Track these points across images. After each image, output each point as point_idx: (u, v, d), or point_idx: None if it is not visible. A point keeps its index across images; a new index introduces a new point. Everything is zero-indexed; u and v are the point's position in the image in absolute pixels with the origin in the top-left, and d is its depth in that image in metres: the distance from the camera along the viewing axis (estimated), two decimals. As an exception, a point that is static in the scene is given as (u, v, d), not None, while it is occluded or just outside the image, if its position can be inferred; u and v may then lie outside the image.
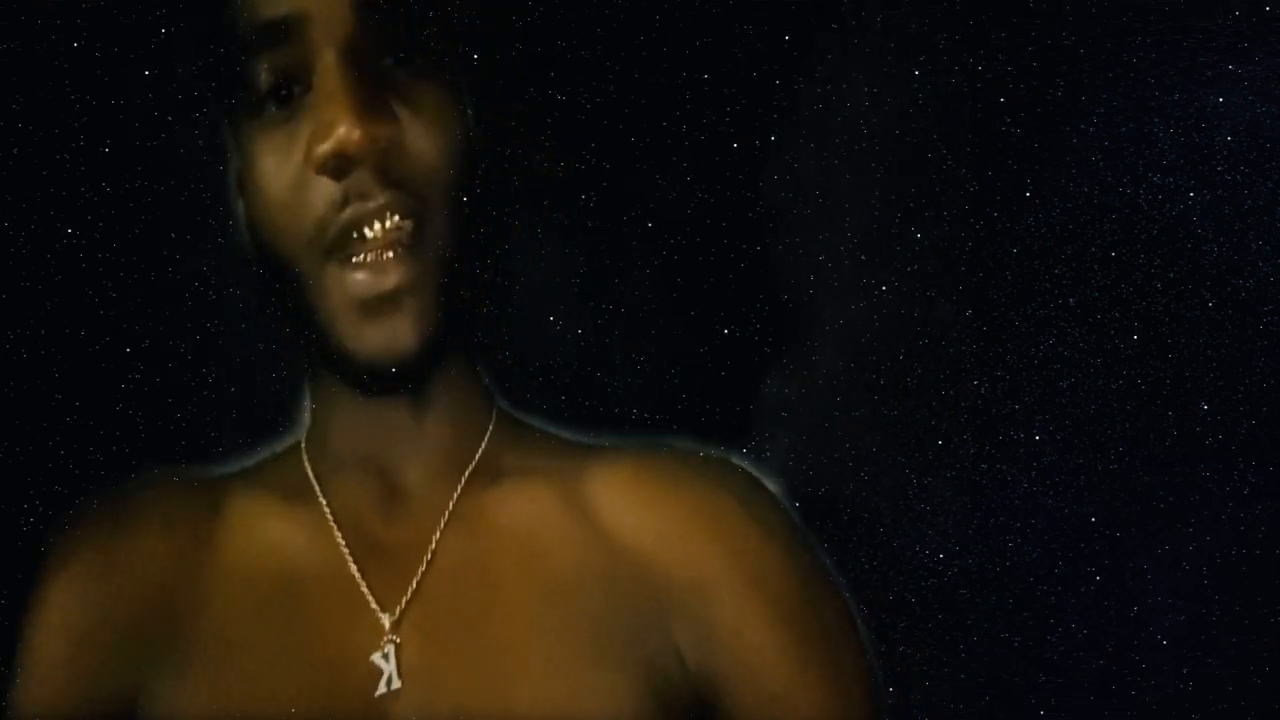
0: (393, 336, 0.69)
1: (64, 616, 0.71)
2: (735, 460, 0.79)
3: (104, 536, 0.73)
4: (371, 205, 0.68)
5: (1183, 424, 0.79)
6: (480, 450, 0.76)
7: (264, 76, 0.70)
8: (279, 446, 0.79)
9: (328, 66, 0.69)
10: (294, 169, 0.70)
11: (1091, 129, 0.79)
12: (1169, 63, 0.78)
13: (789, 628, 0.72)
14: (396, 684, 0.69)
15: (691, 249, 0.83)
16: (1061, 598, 0.80)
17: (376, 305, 0.69)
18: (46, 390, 0.77)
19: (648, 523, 0.73)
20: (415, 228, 0.69)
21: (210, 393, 0.80)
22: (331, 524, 0.74)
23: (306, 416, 0.79)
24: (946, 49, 0.82)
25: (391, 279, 0.69)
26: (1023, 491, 0.81)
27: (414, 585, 0.72)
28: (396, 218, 0.69)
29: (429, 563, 0.72)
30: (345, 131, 0.67)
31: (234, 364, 0.80)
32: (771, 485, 0.78)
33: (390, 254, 0.69)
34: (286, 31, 0.69)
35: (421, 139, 0.70)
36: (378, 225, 0.69)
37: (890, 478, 0.82)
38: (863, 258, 0.83)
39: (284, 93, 0.70)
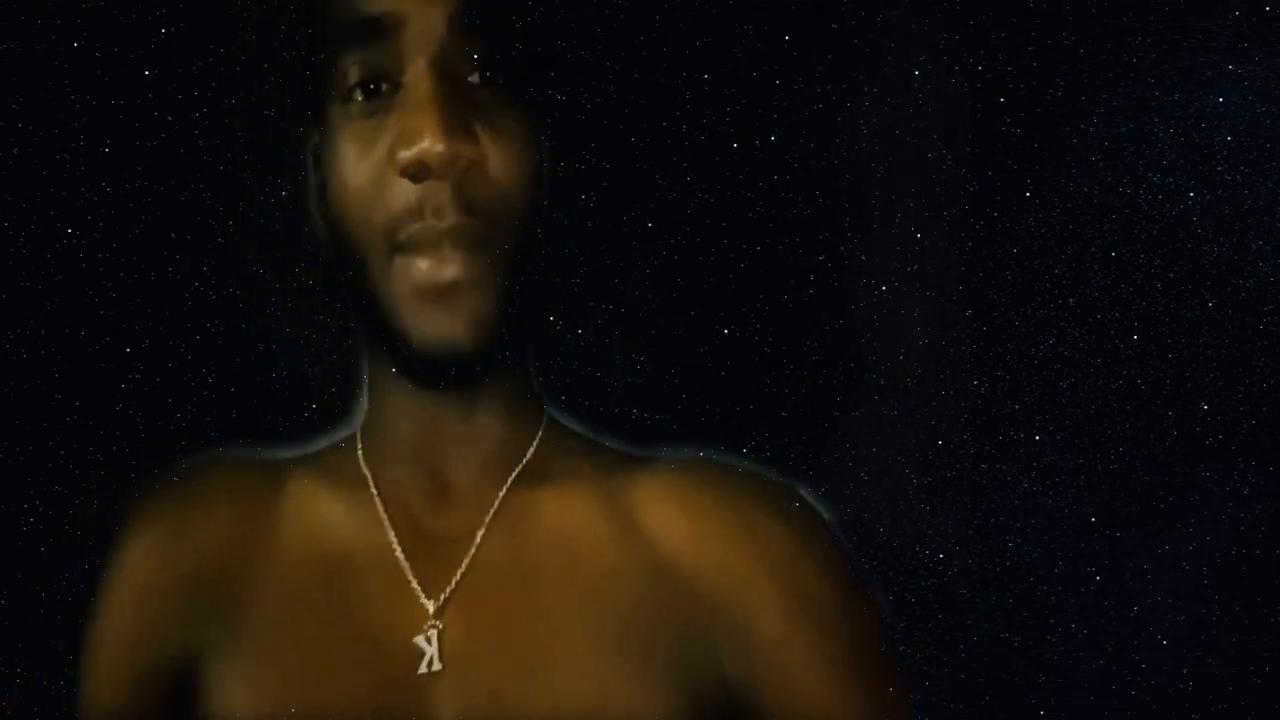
0: (448, 326, 0.71)
1: (135, 576, 0.77)
2: (783, 480, 0.79)
3: (174, 507, 0.79)
4: (443, 225, 0.71)
5: (1183, 424, 0.79)
6: (529, 453, 0.78)
7: (354, 70, 0.72)
8: (337, 436, 0.82)
9: (419, 74, 0.71)
10: (375, 164, 0.72)
11: (1091, 129, 0.79)
12: (1169, 63, 0.78)
13: (831, 643, 0.73)
14: (438, 666, 0.72)
15: (691, 249, 0.83)
16: (1061, 598, 0.80)
17: (435, 294, 0.71)
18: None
19: (691, 533, 0.74)
20: (481, 249, 0.72)
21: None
22: (381, 513, 0.77)
23: (363, 409, 0.81)
24: (946, 49, 0.82)
25: (451, 270, 0.71)
26: (1023, 491, 0.81)
27: (458, 575, 0.74)
28: (464, 240, 0.71)
29: (473, 555, 0.75)
30: (429, 144, 0.69)
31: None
32: (815, 503, 0.79)
33: (453, 249, 0.71)
34: (381, 29, 0.71)
35: (501, 165, 0.72)
36: (445, 244, 0.71)
37: (890, 478, 0.82)
38: (863, 258, 0.83)
39: (372, 87, 0.72)
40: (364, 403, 0.81)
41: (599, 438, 0.81)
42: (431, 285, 0.71)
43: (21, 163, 0.81)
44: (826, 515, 0.78)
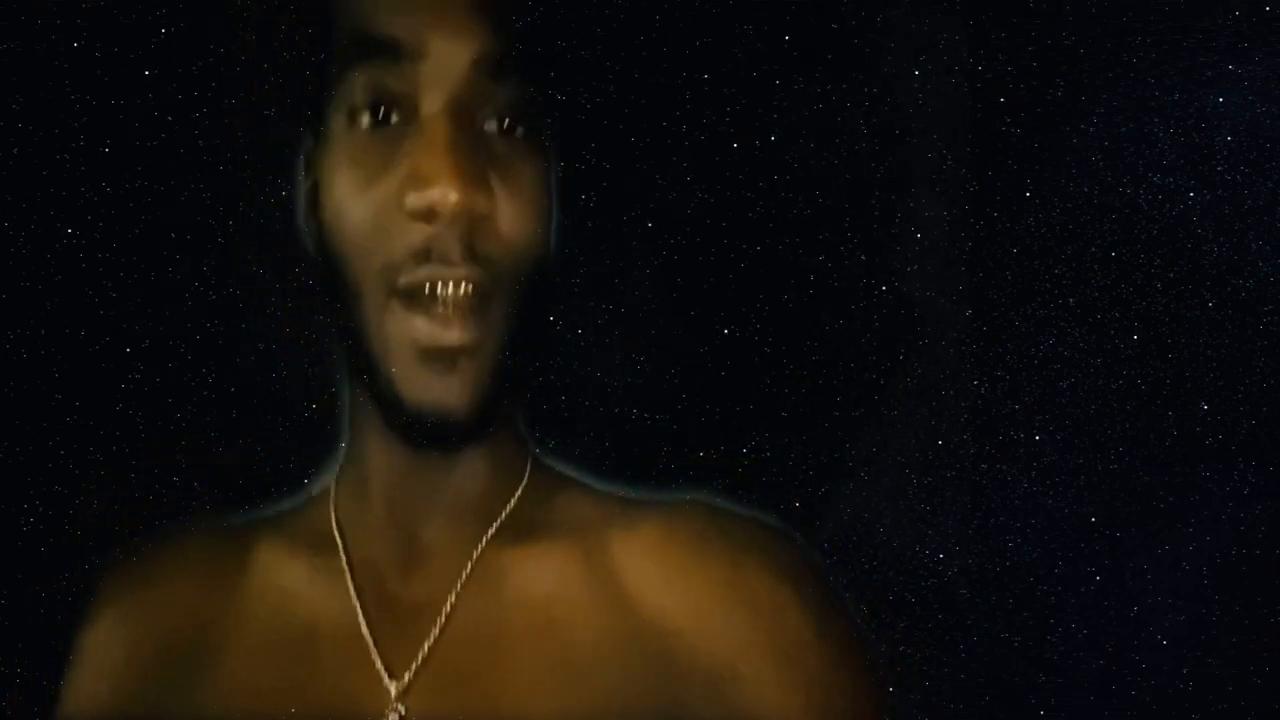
0: (445, 392, 0.69)
1: (102, 658, 0.75)
2: (772, 522, 0.76)
3: (139, 584, 0.77)
4: (450, 273, 0.68)
5: (1183, 424, 0.79)
6: (509, 506, 0.75)
7: (362, 88, 0.69)
8: (313, 488, 0.79)
9: (436, 113, 0.68)
10: (381, 199, 0.69)
11: (1091, 129, 0.79)
12: (1169, 63, 0.78)
13: (817, 706, 0.69)
14: None
15: (691, 249, 0.83)
16: (1061, 598, 0.80)
17: (435, 357, 0.69)
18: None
19: (674, 593, 0.71)
20: (482, 304, 0.69)
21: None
22: (349, 582, 0.74)
23: (340, 458, 0.78)
24: (946, 49, 0.82)
25: (452, 336, 0.68)
26: (1023, 491, 0.81)
27: (425, 650, 0.71)
28: (468, 293, 0.68)
29: (443, 625, 0.71)
30: (442, 193, 0.66)
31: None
32: (807, 549, 0.75)
33: (455, 312, 0.68)
34: (397, 53, 0.68)
35: (511, 220, 0.69)
36: (451, 288, 0.68)
37: (890, 478, 0.82)
38: (863, 258, 0.83)
39: (381, 113, 0.69)
40: (342, 448, 0.78)
41: (586, 479, 0.78)
42: (432, 348, 0.68)
43: (21, 163, 0.81)
44: (820, 564, 0.75)
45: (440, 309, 0.68)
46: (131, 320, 0.82)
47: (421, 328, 0.69)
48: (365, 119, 0.69)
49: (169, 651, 0.74)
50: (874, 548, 0.80)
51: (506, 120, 0.70)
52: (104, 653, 0.75)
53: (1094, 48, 0.80)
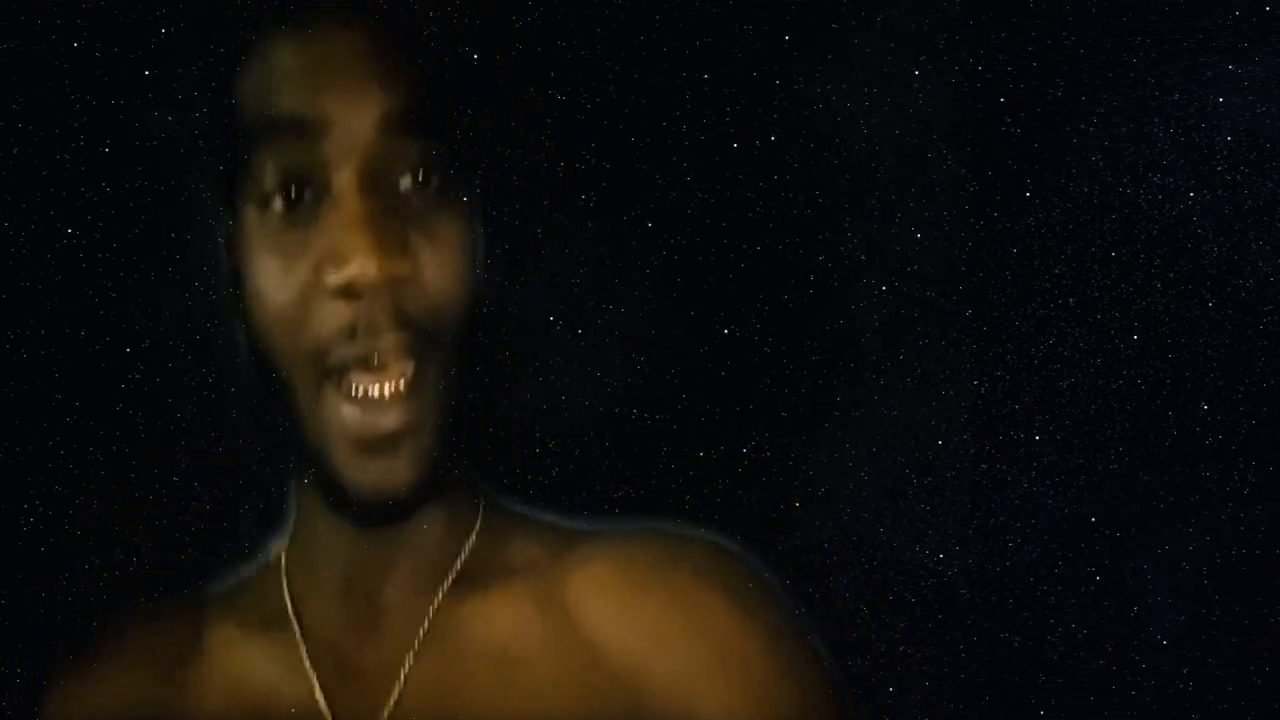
0: (387, 476, 0.68)
1: None
2: (723, 544, 0.75)
3: (88, 675, 0.75)
4: (379, 344, 0.67)
5: (1183, 424, 0.79)
6: (462, 557, 0.74)
7: (271, 171, 0.68)
8: (265, 557, 0.78)
9: (347, 185, 0.67)
10: (301, 282, 0.68)
11: (1091, 129, 0.79)
12: (1169, 63, 0.78)
13: None
14: None
15: (691, 249, 0.82)
16: (1061, 598, 0.80)
17: (374, 445, 0.68)
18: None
19: (628, 626, 0.71)
20: (417, 370, 0.68)
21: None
22: (303, 654, 0.73)
23: (289, 529, 0.77)
24: (946, 49, 0.82)
25: (390, 420, 0.68)
26: (1023, 491, 0.81)
27: (385, 715, 0.71)
28: (401, 362, 0.68)
29: (402, 689, 0.71)
30: (361, 265, 0.65)
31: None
32: (758, 569, 0.75)
33: (390, 392, 0.67)
34: (302, 131, 0.67)
35: (435, 278, 0.68)
36: (379, 367, 0.67)
37: (890, 478, 0.82)
38: (863, 258, 0.83)
39: (294, 193, 0.68)
40: (290, 516, 0.77)
41: (536, 515, 0.77)
42: (371, 437, 0.67)
43: (21, 163, 0.81)
44: (773, 583, 0.74)
45: (373, 391, 0.67)
46: (132, 320, 0.82)
47: (356, 417, 0.68)
48: (278, 202, 0.68)
49: None
50: (874, 548, 0.80)
51: (420, 173, 0.69)
52: None
53: (1094, 48, 0.79)
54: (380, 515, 0.70)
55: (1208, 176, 0.78)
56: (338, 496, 0.69)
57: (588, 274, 0.81)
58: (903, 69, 0.82)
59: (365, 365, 0.67)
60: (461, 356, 0.70)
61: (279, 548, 0.77)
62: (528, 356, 0.82)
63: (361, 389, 0.67)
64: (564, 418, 0.81)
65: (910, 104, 0.83)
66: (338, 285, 0.66)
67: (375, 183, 0.67)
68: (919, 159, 0.83)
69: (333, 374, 0.68)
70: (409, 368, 0.68)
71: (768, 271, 0.83)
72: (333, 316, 0.67)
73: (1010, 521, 0.81)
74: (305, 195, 0.68)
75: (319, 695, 0.72)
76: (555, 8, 0.76)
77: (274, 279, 0.68)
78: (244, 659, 0.74)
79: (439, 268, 0.68)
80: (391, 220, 0.67)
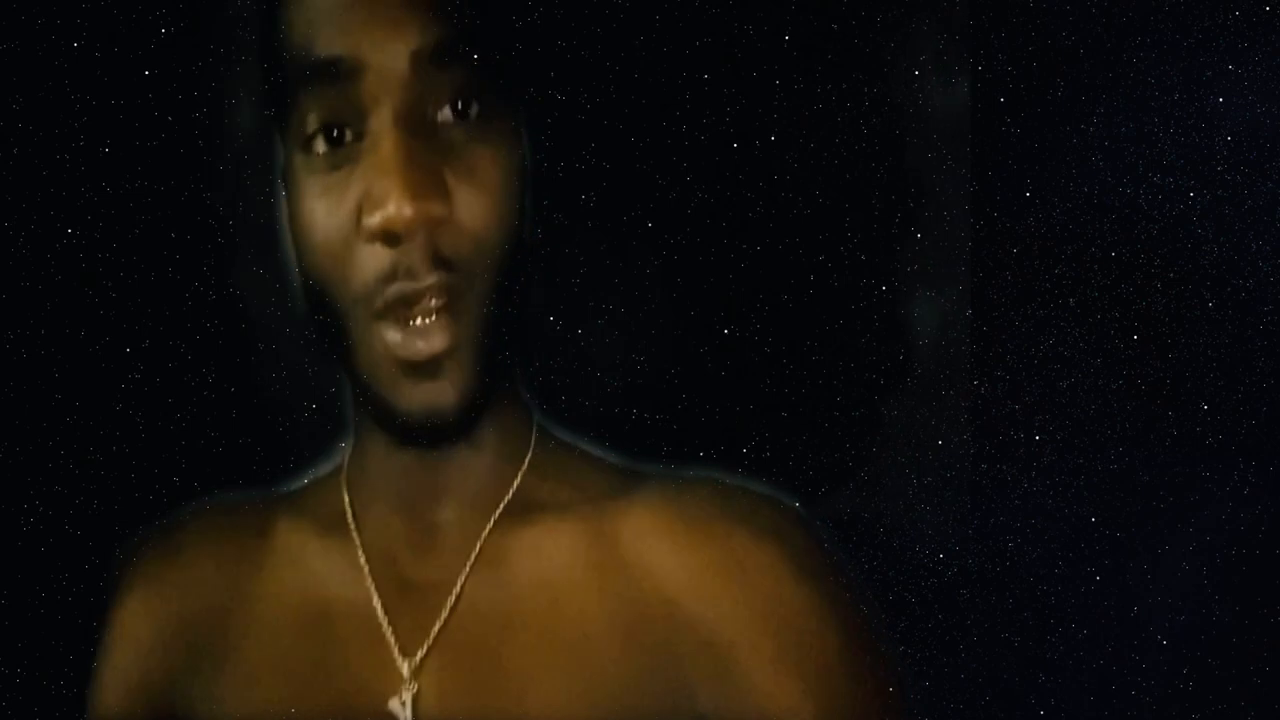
0: (433, 398, 0.69)
1: (130, 634, 0.78)
2: (783, 500, 0.76)
3: (164, 563, 0.79)
4: (419, 285, 0.68)
5: (1183, 424, 0.79)
6: (515, 485, 0.75)
7: (313, 115, 0.69)
8: (327, 465, 0.81)
9: (384, 128, 0.67)
10: (343, 224, 0.69)
11: (1091, 129, 0.79)
12: (1169, 63, 0.78)
13: (822, 694, 0.69)
14: None
15: (691, 249, 0.83)
16: (1061, 598, 0.80)
17: (417, 367, 0.69)
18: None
19: (678, 573, 0.71)
20: (459, 297, 0.69)
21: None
22: (363, 561, 0.75)
23: (350, 440, 0.79)
24: (946, 49, 0.82)
25: (433, 343, 0.69)
26: (1023, 491, 0.81)
27: (436, 629, 0.72)
28: (441, 296, 0.68)
29: (452, 606, 0.73)
30: (396, 209, 0.66)
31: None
32: (816, 529, 0.75)
33: (432, 318, 0.69)
34: (338, 73, 0.67)
35: (474, 214, 0.69)
36: (420, 303, 0.69)
37: (890, 478, 0.82)
38: (863, 258, 0.83)
39: (335, 135, 0.69)
40: (351, 432, 0.79)
41: (590, 449, 0.78)
42: (412, 360, 0.69)
43: (21, 163, 0.81)
44: (824, 537, 0.74)
45: (415, 321, 0.69)
46: (131, 320, 0.82)
47: (399, 341, 0.69)
48: (320, 144, 0.69)
49: (194, 629, 0.76)
50: (874, 548, 0.80)
51: (460, 103, 0.69)
52: (132, 632, 0.78)
53: (1094, 48, 0.80)
54: (428, 437, 0.71)
55: (1208, 176, 0.78)
56: (386, 417, 0.71)
57: (587, 273, 0.81)
58: (903, 69, 0.83)
59: (407, 303, 0.69)
60: (504, 283, 0.71)
61: (342, 456, 0.79)
62: (526, 358, 0.82)
63: (403, 323, 0.69)
64: (563, 419, 0.81)
65: (910, 104, 0.83)
66: (373, 229, 0.67)
67: (412, 121, 0.68)
68: (919, 159, 0.83)
69: (380, 315, 0.69)
70: (448, 306, 0.69)
71: (768, 271, 0.83)
72: (374, 260, 0.68)
73: (1010, 521, 0.81)
74: (346, 136, 0.69)
75: (377, 603, 0.74)
76: (554, 8, 0.76)
77: (319, 221, 0.69)
78: (307, 559, 0.76)
79: (477, 203, 0.69)
80: (428, 159, 0.67)
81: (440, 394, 0.69)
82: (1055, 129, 0.80)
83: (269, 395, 0.82)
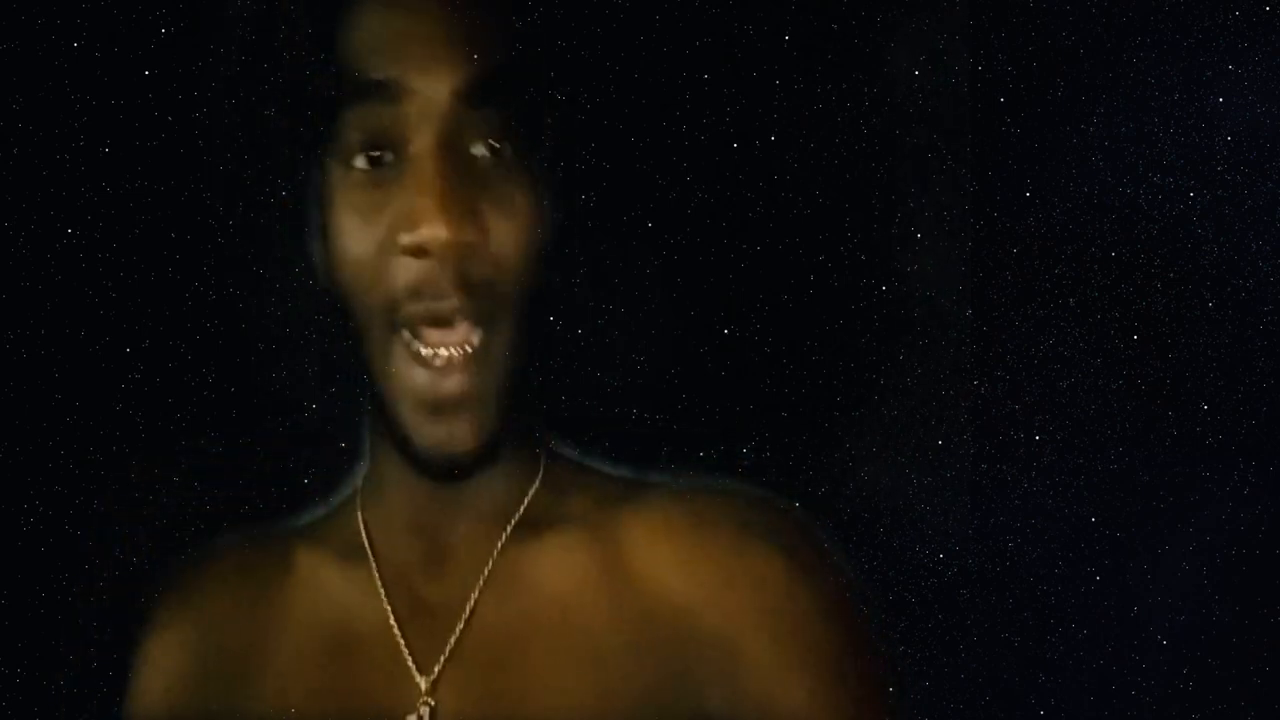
0: (450, 438, 0.72)
1: (164, 661, 0.80)
2: (782, 502, 0.78)
3: (191, 596, 0.82)
4: (444, 306, 0.70)
5: (1183, 424, 0.79)
6: (524, 504, 0.78)
7: (356, 133, 0.71)
8: (344, 492, 0.82)
9: (425, 152, 0.70)
10: (378, 237, 0.71)
11: (1091, 129, 0.79)
12: (1169, 63, 0.78)
13: (821, 684, 0.71)
14: None
15: (691, 249, 0.83)
16: (1061, 598, 0.80)
17: (438, 407, 0.71)
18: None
19: (680, 574, 0.73)
20: (482, 337, 0.72)
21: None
22: (379, 585, 0.77)
23: (365, 465, 0.81)
24: (946, 49, 0.82)
25: (454, 385, 0.71)
26: (1023, 491, 0.81)
27: (450, 646, 0.75)
28: (464, 324, 0.71)
29: (466, 623, 0.75)
30: (431, 231, 0.69)
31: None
32: (815, 531, 0.76)
33: (455, 355, 0.71)
34: (383, 95, 0.70)
35: (503, 246, 0.71)
36: (445, 331, 0.71)
37: (890, 478, 0.82)
38: (863, 258, 0.83)
39: (375, 154, 0.71)
40: (366, 458, 0.81)
41: (596, 465, 0.80)
42: (435, 400, 0.71)
43: (21, 163, 0.81)
44: (825, 539, 0.76)
45: (438, 358, 0.71)
46: (131, 320, 0.82)
47: (422, 380, 0.71)
48: (361, 160, 0.72)
49: (221, 659, 0.79)
50: (874, 548, 0.80)
51: (494, 141, 0.72)
52: (162, 665, 0.80)
53: (1094, 48, 0.80)
54: (444, 472, 0.73)
55: (1208, 176, 0.78)
56: (404, 450, 0.73)
57: (587, 274, 0.81)
58: (903, 69, 0.83)
59: (430, 322, 0.71)
60: (523, 322, 0.73)
61: (355, 484, 0.82)
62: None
63: (429, 350, 0.71)
64: (564, 418, 0.81)
65: (910, 104, 0.83)
66: (409, 246, 0.70)
67: (451, 149, 0.71)
68: (919, 159, 0.83)
69: (401, 329, 0.71)
70: (474, 334, 0.71)
71: (768, 271, 0.83)
72: (403, 273, 0.71)
73: (1010, 521, 0.81)
74: (386, 156, 0.71)
75: (393, 623, 0.76)
76: (554, 8, 0.76)
77: (353, 234, 0.72)
78: (327, 586, 0.79)
79: (506, 235, 0.71)
80: (464, 187, 0.70)
81: (457, 436, 0.72)
82: (1055, 129, 0.80)
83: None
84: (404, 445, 0.73)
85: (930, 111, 0.83)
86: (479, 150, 0.72)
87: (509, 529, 0.77)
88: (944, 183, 0.83)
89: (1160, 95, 0.78)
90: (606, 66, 0.79)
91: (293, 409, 0.82)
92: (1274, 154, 0.77)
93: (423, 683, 0.74)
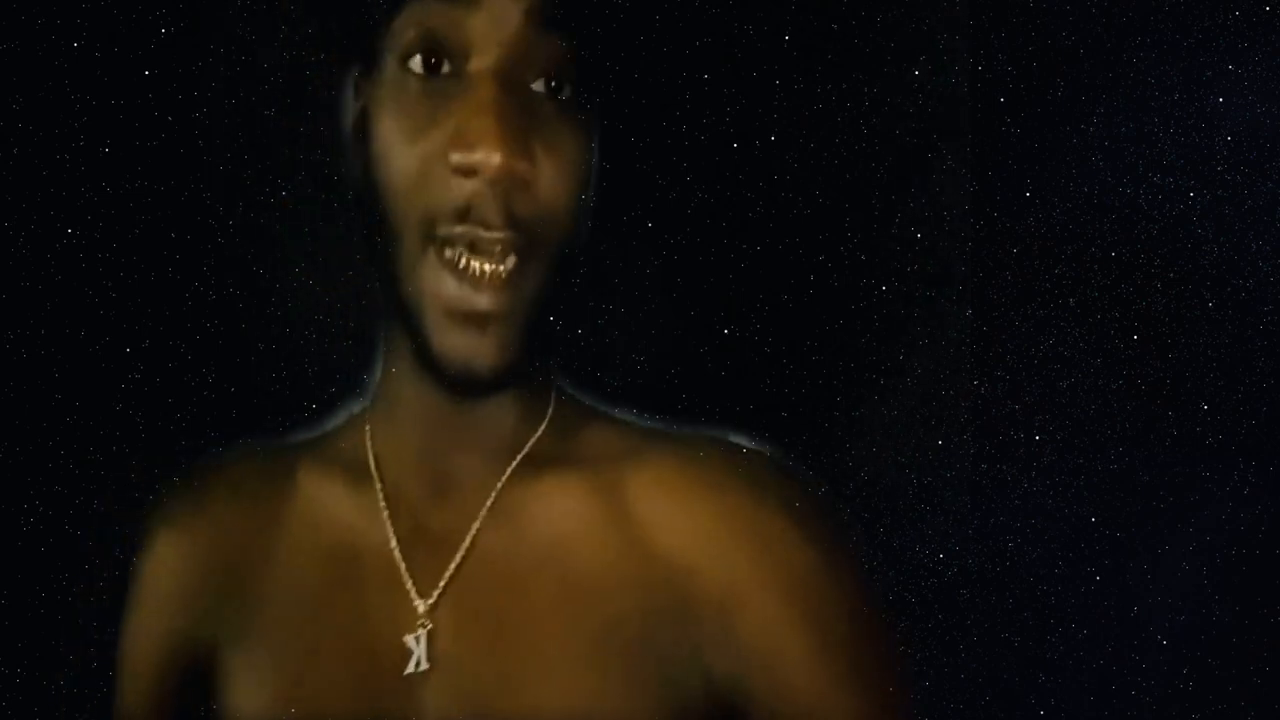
0: (474, 353, 0.70)
1: (160, 576, 0.81)
2: (784, 459, 0.77)
3: (195, 506, 0.82)
4: (487, 236, 0.69)
5: (1183, 424, 0.79)
6: (532, 441, 0.77)
7: (414, 32, 0.69)
8: (353, 409, 0.82)
9: (485, 72, 0.69)
10: (426, 152, 0.70)
11: (1091, 129, 0.79)
12: (1169, 63, 0.78)
13: (823, 642, 0.71)
14: (425, 666, 0.73)
15: (692, 249, 0.83)
16: (1061, 598, 0.80)
17: (464, 318, 0.70)
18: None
19: (684, 527, 0.73)
20: (518, 264, 0.70)
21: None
22: (383, 506, 0.77)
23: (375, 386, 0.80)
24: (946, 49, 0.82)
25: (484, 301, 0.70)
26: (1023, 491, 0.81)
27: (449, 573, 0.75)
28: (503, 253, 0.70)
29: (466, 552, 0.75)
30: (485, 156, 0.67)
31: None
32: (815, 487, 0.76)
33: (489, 271, 0.70)
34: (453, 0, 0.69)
35: (549, 186, 0.70)
36: (484, 264, 0.70)
37: (890, 478, 0.82)
38: (863, 258, 0.83)
39: (433, 61, 0.70)
40: (376, 377, 0.80)
41: (608, 411, 0.80)
42: (461, 312, 0.70)
43: (21, 163, 0.81)
44: (828, 502, 0.76)
45: (472, 268, 0.70)
46: (131, 320, 0.82)
47: (453, 289, 0.70)
48: (418, 64, 0.70)
49: (221, 575, 0.79)
50: (874, 548, 0.80)
51: (554, 80, 0.70)
52: (161, 580, 0.80)
53: (1094, 48, 0.80)
54: (461, 387, 0.72)
55: (1208, 176, 0.78)
56: (424, 360, 0.72)
57: (587, 273, 0.81)
58: (903, 69, 0.83)
59: (471, 248, 0.70)
60: (559, 266, 0.72)
61: (364, 403, 0.81)
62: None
63: (464, 261, 0.70)
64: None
65: (910, 104, 0.83)
66: (461, 166, 0.68)
67: (511, 75, 0.69)
68: (919, 159, 0.83)
69: (438, 241, 0.70)
70: (510, 260, 0.70)
71: (768, 271, 0.83)
72: (450, 193, 0.69)
73: (1010, 521, 0.81)
74: (444, 66, 0.70)
75: (394, 545, 0.76)
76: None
77: (401, 140, 0.70)
78: (330, 504, 0.79)
79: (555, 177, 0.70)
80: (521, 119, 0.69)
81: (480, 351, 0.70)
82: (1055, 129, 0.80)
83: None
84: (423, 355, 0.71)
85: (930, 111, 0.83)
86: (538, 86, 0.70)
87: (514, 464, 0.76)
88: (944, 183, 0.83)
89: (1160, 95, 0.78)
90: (606, 66, 0.79)
91: (293, 409, 0.82)
92: (1274, 154, 0.77)
93: (421, 606, 0.74)
